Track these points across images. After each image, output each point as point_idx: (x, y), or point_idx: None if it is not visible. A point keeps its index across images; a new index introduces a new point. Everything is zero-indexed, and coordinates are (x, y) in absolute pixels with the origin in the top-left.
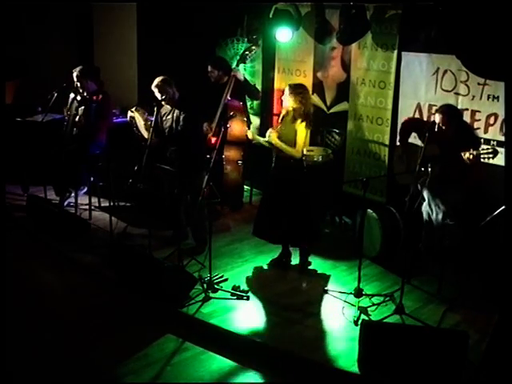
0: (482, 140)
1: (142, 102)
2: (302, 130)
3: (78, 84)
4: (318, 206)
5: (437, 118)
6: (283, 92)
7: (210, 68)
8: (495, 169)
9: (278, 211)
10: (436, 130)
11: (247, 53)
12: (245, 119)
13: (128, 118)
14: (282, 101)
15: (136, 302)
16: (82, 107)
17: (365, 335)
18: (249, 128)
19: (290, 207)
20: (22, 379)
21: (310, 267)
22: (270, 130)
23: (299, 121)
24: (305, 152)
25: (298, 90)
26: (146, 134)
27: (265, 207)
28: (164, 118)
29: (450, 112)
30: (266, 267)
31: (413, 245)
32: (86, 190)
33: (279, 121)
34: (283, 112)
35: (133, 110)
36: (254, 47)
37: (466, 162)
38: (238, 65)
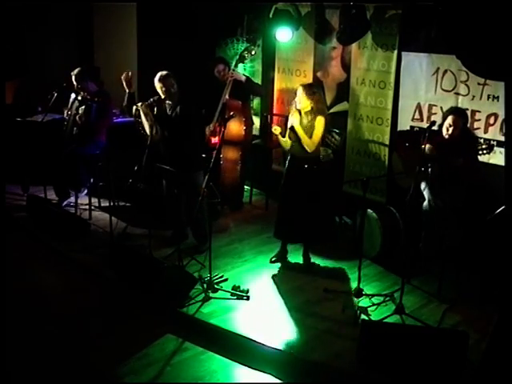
0: (482, 140)
1: (142, 101)
2: (320, 125)
3: (78, 86)
4: (329, 204)
5: (449, 119)
6: (295, 93)
7: (221, 66)
8: (495, 169)
9: (294, 210)
10: (434, 131)
11: (246, 53)
12: (243, 119)
13: (133, 112)
14: (294, 102)
15: (136, 302)
16: (83, 107)
17: (365, 335)
18: (250, 128)
19: (305, 205)
20: (21, 379)
21: (309, 266)
22: (275, 127)
23: (318, 117)
24: (321, 152)
25: (312, 89)
26: (148, 131)
27: (282, 208)
28: (164, 116)
29: (465, 116)
30: (266, 267)
31: (413, 245)
32: (86, 191)
33: (295, 122)
34: (293, 112)
35: (139, 104)
36: (252, 47)
37: (462, 164)
38: (236, 65)
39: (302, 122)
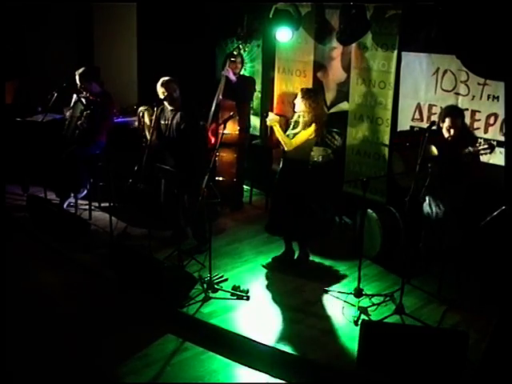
0: (482, 140)
1: (142, 102)
2: (306, 132)
3: (82, 86)
4: (321, 203)
5: (447, 121)
6: (295, 96)
7: (238, 60)
8: (495, 168)
9: (284, 208)
10: (434, 131)
11: (237, 51)
12: (237, 119)
13: (138, 114)
14: (293, 104)
15: (136, 302)
16: (88, 111)
17: (365, 335)
18: (245, 128)
19: (293, 204)
20: (21, 379)
21: (309, 266)
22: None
23: (310, 126)
24: (321, 152)
25: (308, 94)
26: (148, 135)
27: (273, 205)
28: (166, 122)
29: (462, 115)
30: (266, 267)
31: (413, 245)
32: (85, 192)
33: (291, 126)
34: (295, 117)
35: (144, 108)
36: (243, 45)
37: (465, 161)
38: (230, 65)
39: (295, 121)
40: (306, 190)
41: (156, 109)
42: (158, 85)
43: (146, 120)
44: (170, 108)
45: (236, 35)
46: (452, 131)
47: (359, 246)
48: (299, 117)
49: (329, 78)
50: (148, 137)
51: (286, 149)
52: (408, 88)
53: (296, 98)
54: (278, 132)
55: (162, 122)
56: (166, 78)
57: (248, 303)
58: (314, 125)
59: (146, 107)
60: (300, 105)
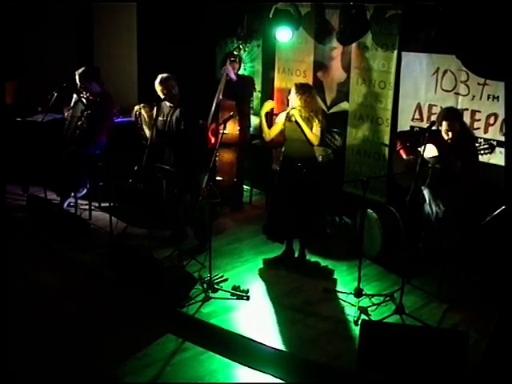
0: (482, 140)
1: (142, 102)
2: (319, 126)
3: (82, 85)
4: (321, 204)
5: (444, 125)
6: (289, 92)
7: (237, 60)
8: (495, 169)
9: (287, 210)
10: (434, 131)
11: (236, 51)
12: (237, 119)
13: (134, 113)
14: (287, 100)
15: (136, 301)
16: (88, 111)
17: (365, 335)
18: (245, 128)
19: (299, 204)
20: (21, 379)
21: (309, 266)
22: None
23: (314, 120)
24: (321, 152)
25: (303, 89)
26: (148, 133)
27: (274, 208)
28: (164, 118)
29: (459, 117)
30: (266, 266)
31: (413, 245)
32: (85, 191)
33: (284, 119)
34: (290, 111)
35: (140, 106)
36: (243, 45)
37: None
38: (229, 64)
39: (290, 116)
40: (313, 186)
41: (155, 106)
42: (156, 83)
43: (145, 117)
44: (168, 104)
45: (236, 35)
46: (450, 134)
47: (359, 246)
48: (296, 111)
49: (329, 78)
50: (148, 135)
51: (314, 143)
52: (408, 88)
53: (290, 93)
54: (305, 127)
55: (160, 119)
56: (164, 76)
57: (248, 303)
58: (320, 117)
59: (141, 105)
60: (295, 100)
